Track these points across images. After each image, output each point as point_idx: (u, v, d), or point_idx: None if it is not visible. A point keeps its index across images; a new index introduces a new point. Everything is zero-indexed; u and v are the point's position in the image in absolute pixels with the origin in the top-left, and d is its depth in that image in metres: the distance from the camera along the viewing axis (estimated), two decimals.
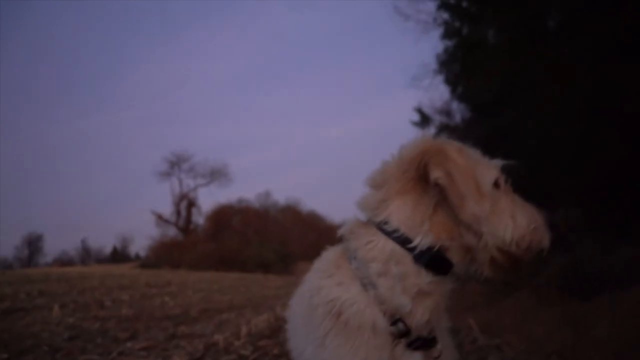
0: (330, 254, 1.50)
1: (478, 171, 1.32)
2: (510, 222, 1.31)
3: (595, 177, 7.50)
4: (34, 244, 57.74)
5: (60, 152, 76.49)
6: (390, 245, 1.32)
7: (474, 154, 1.41)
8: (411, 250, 1.30)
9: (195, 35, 74.58)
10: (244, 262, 33.34)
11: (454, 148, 1.35)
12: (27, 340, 5.43)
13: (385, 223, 1.34)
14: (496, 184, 1.37)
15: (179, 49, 77.54)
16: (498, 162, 1.43)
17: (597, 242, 6.76)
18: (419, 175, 1.31)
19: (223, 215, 43.84)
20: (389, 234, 1.32)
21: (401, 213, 1.33)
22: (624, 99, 6.21)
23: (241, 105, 79.24)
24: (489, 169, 1.37)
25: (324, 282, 1.40)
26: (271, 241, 36.47)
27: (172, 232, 46.20)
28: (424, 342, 1.35)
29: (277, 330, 6.41)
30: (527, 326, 5.94)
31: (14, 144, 75.81)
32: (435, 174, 1.26)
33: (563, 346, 4.87)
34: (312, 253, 1.57)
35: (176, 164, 47.43)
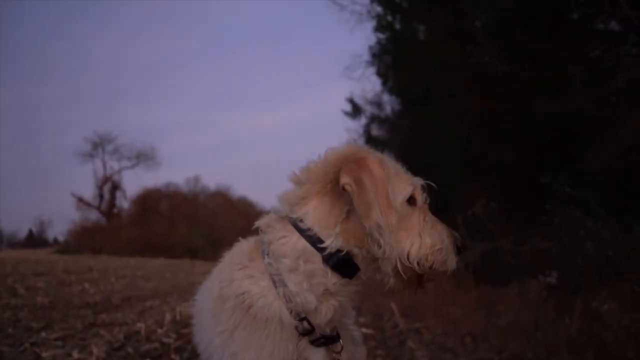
0: (244, 246, 1.52)
1: (392, 185, 1.35)
2: (417, 239, 1.36)
3: (511, 174, 8.03)
4: None
5: None
6: (302, 243, 1.35)
7: (396, 168, 1.44)
8: (321, 250, 1.34)
9: (124, 10, 71.23)
10: (171, 248, 32.46)
11: (374, 158, 1.39)
12: None
13: (301, 220, 1.37)
14: (411, 201, 1.41)
15: (103, 24, 73.61)
16: (418, 180, 1.46)
17: (511, 233, 7.24)
18: (336, 179, 1.34)
19: (149, 200, 42.30)
20: (302, 231, 1.36)
21: (317, 213, 1.36)
22: (534, 105, 6.68)
23: (170, 88, 76.84)
24: (405, 185, 1.41)
25: (235, 275, 1.42)
26: (200, 227, 35.72)
27: (94, 216, 44.09)
28: (326, 340, 1.41)
29: None
30: (445, 309, 6.29)
31: None
32: (344, 180, 1.30)
33: (476, 328, 5.23)
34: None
35: (100, 145, 45.05)
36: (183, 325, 5.68)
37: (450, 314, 6.09)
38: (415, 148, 10.34)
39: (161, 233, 34.90)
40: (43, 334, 5.16)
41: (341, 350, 1.43)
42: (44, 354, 4.18)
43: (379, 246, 1.32)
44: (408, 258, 1.34)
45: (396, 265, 1.34)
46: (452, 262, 1.40)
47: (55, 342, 4.77)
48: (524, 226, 7.35)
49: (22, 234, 59.68)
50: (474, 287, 7.01)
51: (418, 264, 1.35)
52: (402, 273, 1.35)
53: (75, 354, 4.09)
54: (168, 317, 5.97)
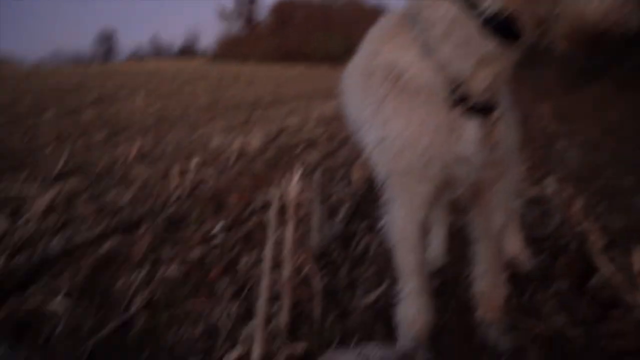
0: (388, 20, 1.42)
1: None
2: None
3: None
4: (108, 40, 60.13)
5: None
6: (455, 8, 1.20)
7: None
8: (478, 14, 1.17)
9: None
10: (309, 56, 33.16)
11: None
12: (120, 122, 6.04)
13: None
14: None
15: None
16: None
17: None
18: None
19: (285, 11, 42.40)
20: None
21: None
22: None
23: None
24: None
25: (382, 47, 1.35)
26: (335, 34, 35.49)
27: (235, 28, 46.04)
28: (483, 108, 1.31)
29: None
30: (603, 114, 5.75)
31: None
32: None
33: (637, 133, 4.76)
34: None
35: None
36: (327, 122, 6.03)
37: (607, 118, 5.57)
38: None
39: (299, 41, 35.51)
40: (210, 126, 5.87)
41: (497, 120, 1.34)
42: (212, 142, 4.78)
43: (552, 5, 1.12)
44: (585, 15, 1.11)
45: (569, 26, 1.13)
46: (635, 20, 1.12)
47: (220, 131, 5.40)
48: None
49: (176, 46, 65.07)
50: (637, 91, 6.19)
51: (596, 21, 1.12)
52: (575, 35, 1.15)
53: (237, 143, 4.59)
54: (314, 114, 6.34)
